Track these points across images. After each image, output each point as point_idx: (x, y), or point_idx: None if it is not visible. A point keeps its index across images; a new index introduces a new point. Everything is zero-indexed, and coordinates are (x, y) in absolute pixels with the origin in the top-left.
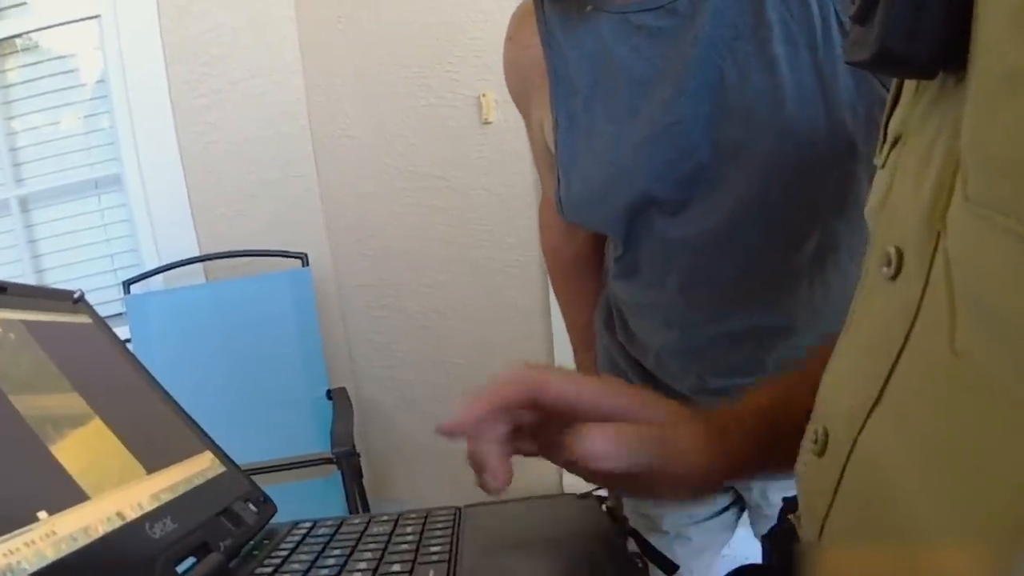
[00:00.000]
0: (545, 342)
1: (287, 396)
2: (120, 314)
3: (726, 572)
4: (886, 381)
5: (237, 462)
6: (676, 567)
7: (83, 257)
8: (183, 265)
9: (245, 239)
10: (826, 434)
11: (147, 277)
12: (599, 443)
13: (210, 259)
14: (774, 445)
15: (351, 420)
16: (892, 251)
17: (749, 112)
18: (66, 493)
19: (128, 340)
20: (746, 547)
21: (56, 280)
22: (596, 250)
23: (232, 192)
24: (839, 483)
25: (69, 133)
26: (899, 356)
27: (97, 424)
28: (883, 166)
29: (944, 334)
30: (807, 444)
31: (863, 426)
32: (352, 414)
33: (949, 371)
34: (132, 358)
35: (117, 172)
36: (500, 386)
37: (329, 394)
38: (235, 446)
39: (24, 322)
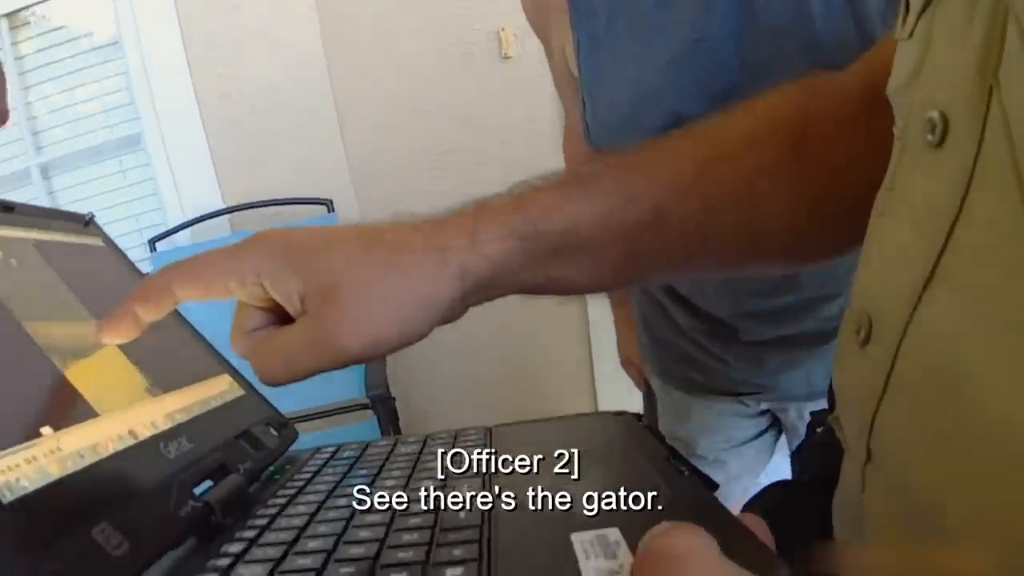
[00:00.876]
0: None
1: None
2: (147, 273)
3: None
4: (941, 253)
5: None
6: (716, 485)
7: (108, 219)
8: (208, 219)
9: (269, 189)
10: (870, 321)
11: (172, 233)
12: None
13: (235, 211)
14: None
15: (384, 363)
16: (936, 116)
17: (777, 29)
18: (72, 410)
19: None
20: (784, 473)
21: None
22: None
23: (253, 142)
24: (890, 373)
25: (86, 98)
26: (954, 224)
27: (109, 344)
28: (909, 36)
29: (1009, 193)
30: (847, 335)
31: (916, 307)
32: (385, 358)
33: (1020, 231)
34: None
35: (136, 132)
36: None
37: None
38: (269, 397)
39: (34, 241)
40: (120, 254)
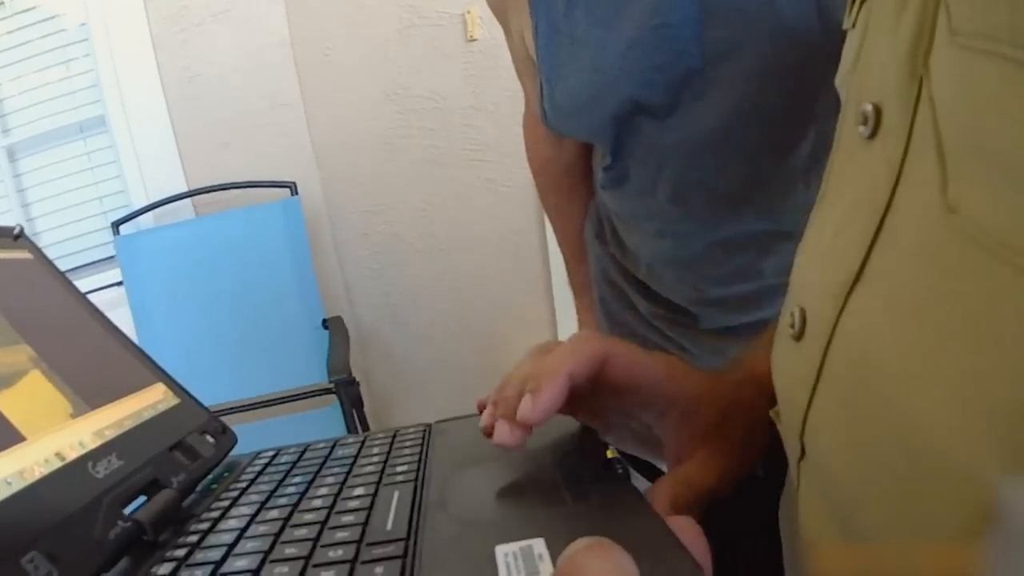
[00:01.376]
0: (540, 259)
1: (283, 328)
2: (111, 257)
3: None
4: (870, 249)
5: (236, 397)
6: (661, 472)
7: (72, 202)
8: (171, 202)
9: (233, 171)
10: (803, 316)
11: (135, 216)
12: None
13: (197, 194)
14: None
15: (347, 348)
16: (868, 108)
17: (739, 13)
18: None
19: (120, 282)
20: None
21: (47, 227)
22: (584, 159)
23: (217, 125)
24: (821, 368)
25: (52, 80)
26: (882, 221)
27: (36, 363)
28: (853, 26)
29: (934, 190)
30: (783, 329)
31: (845, 302)
32: (348, 342)
33: (942, 230)
34: (77, 293)
35: (101, 114)
36: (568, 363)
37: (325, 324)
38: (233, 381)
39: None
40: (52, 268)
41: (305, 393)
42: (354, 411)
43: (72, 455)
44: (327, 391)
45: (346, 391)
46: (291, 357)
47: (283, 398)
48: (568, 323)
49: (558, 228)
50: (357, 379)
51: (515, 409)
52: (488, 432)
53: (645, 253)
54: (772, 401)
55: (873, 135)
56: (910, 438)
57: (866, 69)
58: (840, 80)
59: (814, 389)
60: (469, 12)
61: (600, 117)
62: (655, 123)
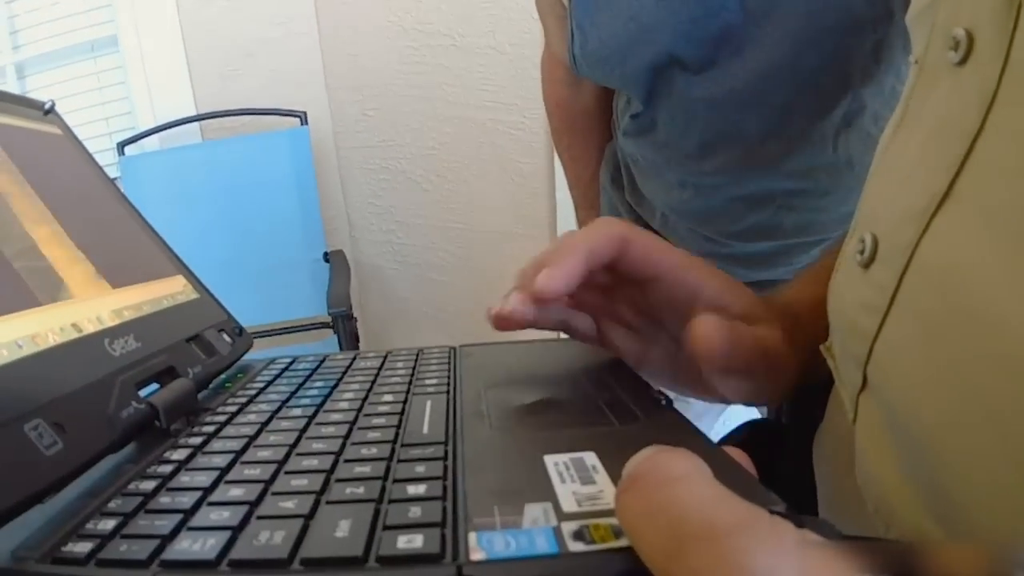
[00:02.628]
0: (549, 206)
1: (284, 258)
2: (116, 178)
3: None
4: (958, 171)
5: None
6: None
7: (79, 121)
8: (178, 125)
9: (243, 98)
10: (875, 242)
11: (142, 138)
12: (717, 337)
13: (205, 118)
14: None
15: (348, 283)
16: (961, 33)
17: None
18: (13, 298)
19: None
20: (744, 415)
21: None
22: (603, 103)
23: (230, 50)
24: (895, 294)
25: None
26: (974, 142)
27: (58, 232)
28: None
29: None
30: (848, 257)
31: (927, 225)
32: (349, 277)
33: None
34: (104, 176)
35: (114, 33)
36: (588, 240)
37: (326, 257)
38: (231, 308)
39: None
40: (81, 147)
41: (302, 325)
42: (349, 347)
43: (89, 328)
44: (323, 325)
45: (344, 325)
46: (290, 288)
47: (279, 329)
48: None
49: (569, 170)
50: (355, 315)
51: (527, 283)
52: (497, 322)
53: (661, 203)
54: (803, 330)
55: (964, 61)
56: (1006, 357)
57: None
58: (913, 16)
59: (885, 316)
60: None
61: (634, 66)
62: (689, 76)
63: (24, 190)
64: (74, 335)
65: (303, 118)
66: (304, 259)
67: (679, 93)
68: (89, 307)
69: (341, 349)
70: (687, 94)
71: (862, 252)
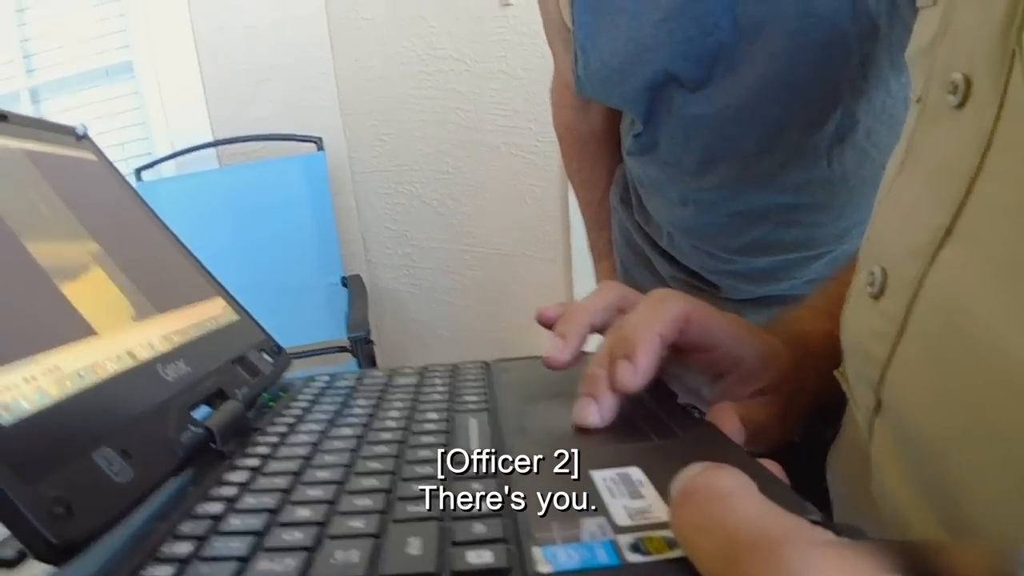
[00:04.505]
0: (562, 228)
1: (301, 283)
2: None
3: None
4: (959, 210)
5: None
6: None
7: None
8: (196, 150)
9: (259, 124)
10: (884, 274)
11: (158, 163)
12: (737, 432)
13: (223, 144)
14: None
15: (366, 307)
16: (959, 78)
17: None
18: (70, 328)
19: None
20: None
21: None
22: (610, 126)
23: (246, 77)
24: (904, 323)
25: (80, 22)
26: (973, 183)
27: (104, 260)
28: (933, 3)
29: None
30: (859, 288)
31: (933, 259)
32: (367, 301)
33: None
34: (139, 199)
35: (128, 60)
36: (658, 325)
37: (344, 281)
38: None
39: (27, 152)
40: (115, 172)
41: (321, 349)
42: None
43: (143, 355)
44: (341, 348)
45: (362, 349)
46: (308, 312)
47: (298, 353)
48: (585, 294)
49: (580, 193)
50: (372, 338)
51: (601, 385)
52: (554, 364)
53: (666, 220)
54: (816, 362)
55: (962, 104)
56: (1006, 383)
57: (954, 42)
58: (912, 54)
59: (896, 343)
60: None
61: (633, 85)
62: (687, 94)
63: (66, 217)
64: (130, 363)
65: (319, 143)
66: (321, 283)
67: (677, 111)
68: (140, 333)
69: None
70: (685, 112)
71: (872, 284)
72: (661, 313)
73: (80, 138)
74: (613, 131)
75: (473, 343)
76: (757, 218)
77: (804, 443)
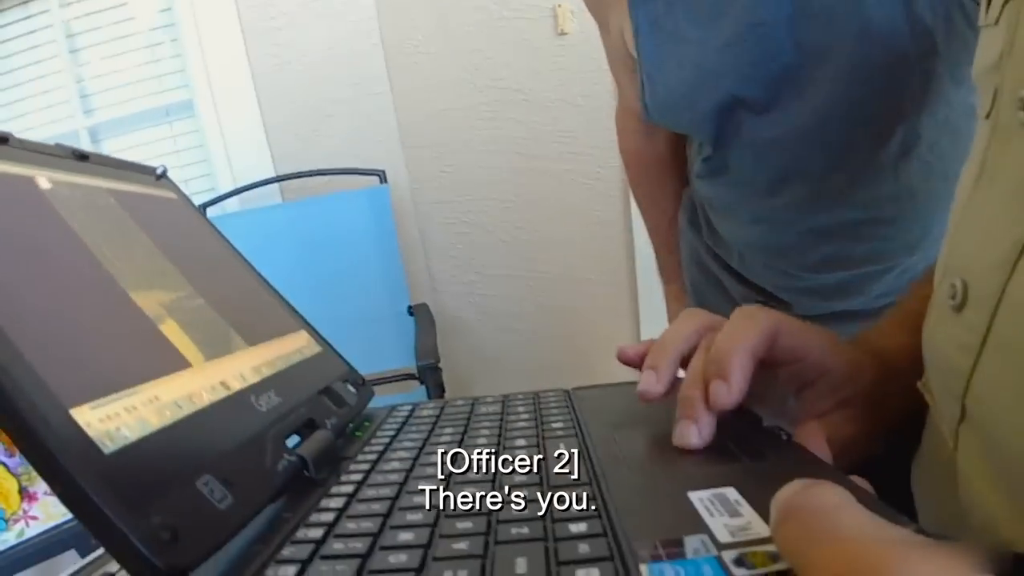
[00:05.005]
0: (627, 253)
1: (369, 313)
2: None
3: None
4: None
5: None
6: None
7: None
8: (259, 186)
9: (321, 158)
10: (965, 286)
11: (222, 199)
12: (824, 452)
13: (285, 179)
14: None
15: (434, 334)
16: None
17: (830, 14)
18: (166, 361)
19: None
20: None
21: None
22: (675, 151)
23: (306, 112)
24: (987, 333)
25: (137, 63)
26: None
27: (191, 294)
28: (995, 23)
29: None
30: (940, 301)
31: (1013, 269)
32: (435, 329)
33: None
34: (221, 236)
35: (188, 98)
36: (749, 341)
37: (410, 310)
38: None
39: (111, 191)
40: (196, 210)
41: (390, 377)
42: (437, 398)
43: (236, 386)
44: (409, 376)
45: (432, 376)
46: (375, 342)
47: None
48: (650, 319)
49: (647, 217)
50: (440, 365)
51: (698, 407)
52: (649, 397)
53: (738, 240)
54: (898, 376)
55: None
56: None
57: (1021, 60)
58: (980, 72)
59: (979, 353)
60: (560, 6)
61: (701, 110)
62: (754, 117)
63: (155, 254)
64: (224, 393)
65: (382, 176)
66: (388, 313)
67: (746, 134)
68: (232, 365)
69: (429, 399)
70: (753, 135)
71: (953, 297)
72: (750, 330)
73: (159, 177)
74: (678, 155)
75: (539, 369)
76: (828, 234)
77: (884, 458)
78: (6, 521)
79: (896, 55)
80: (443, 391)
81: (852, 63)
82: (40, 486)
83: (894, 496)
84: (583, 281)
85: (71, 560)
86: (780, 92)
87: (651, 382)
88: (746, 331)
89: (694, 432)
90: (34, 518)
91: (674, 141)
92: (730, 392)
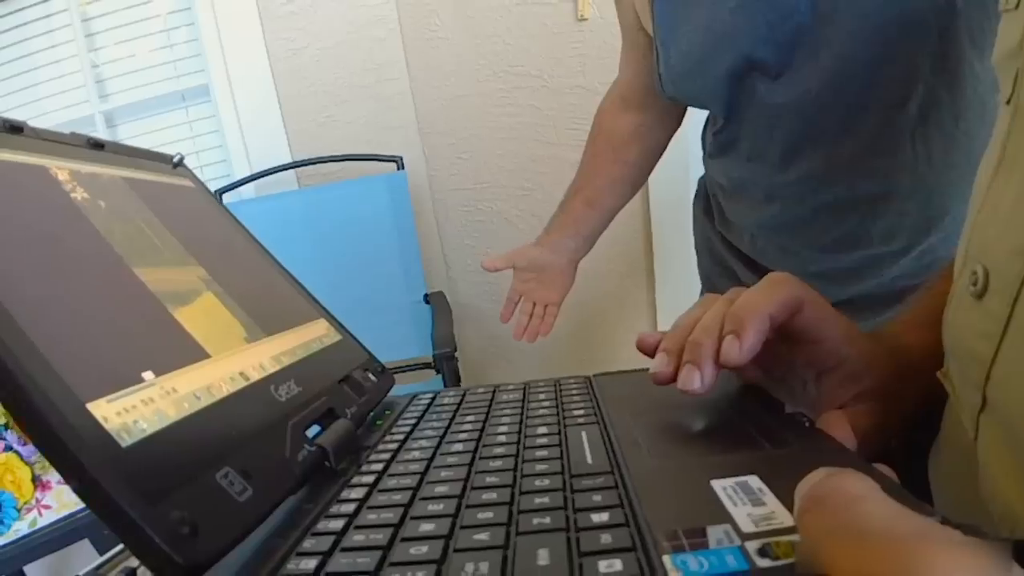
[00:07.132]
0: (644, 242)
1: (385, 301)
2: None
3: None
4: None
5: None
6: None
7: None
8: (275, 172)
9: (337, 144)
10: (986, 274)
11: (238, 186)
12: (850, 440)
13: (302, 165)
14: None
15: (451, 323)
16: None
17: None
18: (185, 352)
19: None
20: None
21: None
22: (632, 136)
23: (323, 98)
24: (1009, 320)
25: (153, 47)
26: None
27: (212, 284)
28: (1016, 7)
29: None
30: (961, 289)
31: None
32: (451, 317)
33: None
34: (239, 224)
35: (204, 83)
36: (770, 304)
37: (426, 298)
38: None
39: (127, 180)
40: (213, 198)
41: (405, 366)
42: (453, 386)
43: (255, 376)
44: (425, 364)
45: (448, 364)
46: (391, 330)
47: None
48: (668, 308)
49: (578, 176)
50: (456, 354)
51: (706, 354)
52: (663, 379)
53: (750, 223)
54: (915, 371)
55: None
56: None
57: None
58: (1001, 57)
59: (1001, 341)
60: None
61: (714, 76)
62: (768, 81)
63: (172, 244)
64: (243, 383)
65: (400, 163)
66: (405, 301)
67: (759, 100)
68: (251, 355)
69: (445, 387)
70: (767, 100)
71: (975, 284)
72: (776, 295)
73: (176, 165)
74: (631, 141)
75: (555, 357)
76: (844, 209)
77: (899, 448)
78: (19, 510)
79: (912, 11)
80: (459, 380)
81: (867, 21)
82: (54, 475)
83: (909, 488)
84: (600, 270)
85: (84, 551)
86: (793, 54)
87: (663, 365)
88: (771, 295)
89: (697, 377)
90: (47, 507)
91: (637, 131)
92: (741, 351)
